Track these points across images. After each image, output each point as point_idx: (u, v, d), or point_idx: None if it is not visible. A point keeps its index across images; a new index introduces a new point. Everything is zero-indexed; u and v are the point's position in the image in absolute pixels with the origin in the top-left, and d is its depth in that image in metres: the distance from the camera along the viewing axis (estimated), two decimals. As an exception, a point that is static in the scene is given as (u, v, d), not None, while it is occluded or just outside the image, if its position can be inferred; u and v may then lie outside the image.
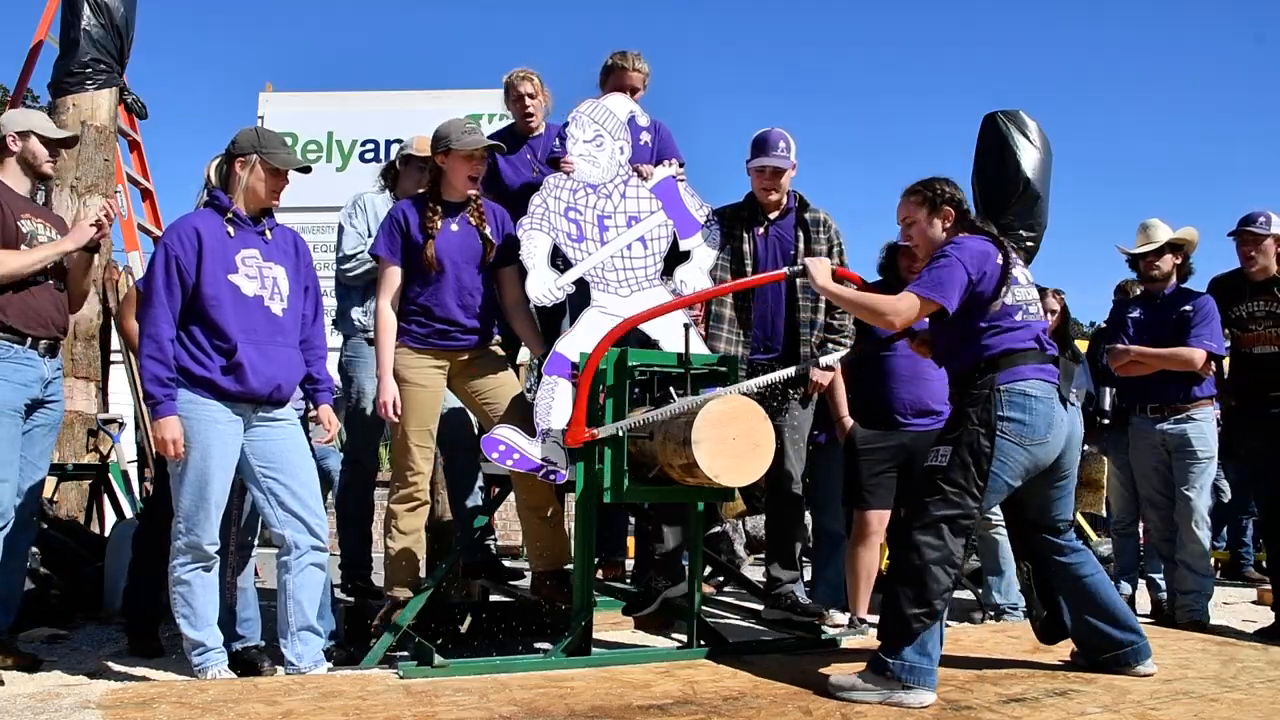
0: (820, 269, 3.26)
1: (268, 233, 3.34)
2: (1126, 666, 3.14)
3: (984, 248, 3.09)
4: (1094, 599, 3.13)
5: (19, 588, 3.64)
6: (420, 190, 3.92)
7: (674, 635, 4.22)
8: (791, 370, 3.68)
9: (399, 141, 4.68)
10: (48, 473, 3.78)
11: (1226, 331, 4.61)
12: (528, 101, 4.21)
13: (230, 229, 3.24)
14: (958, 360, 3.11)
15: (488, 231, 3.67)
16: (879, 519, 4.05)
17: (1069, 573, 3.14)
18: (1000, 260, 3.08)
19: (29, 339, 3.47)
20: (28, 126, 3.61)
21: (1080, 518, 6.35)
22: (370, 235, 4.12)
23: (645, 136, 4.24)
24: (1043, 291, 5.30)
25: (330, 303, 4.97)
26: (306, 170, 3.44)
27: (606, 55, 4.34)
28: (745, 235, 3.92)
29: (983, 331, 3.04)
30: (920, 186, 3.26)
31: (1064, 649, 3.33)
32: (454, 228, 3.63)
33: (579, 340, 3.56)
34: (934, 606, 2.85)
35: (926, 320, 3.20)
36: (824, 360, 3.81)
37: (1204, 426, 4.55)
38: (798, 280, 3.87)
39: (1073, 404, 3.08)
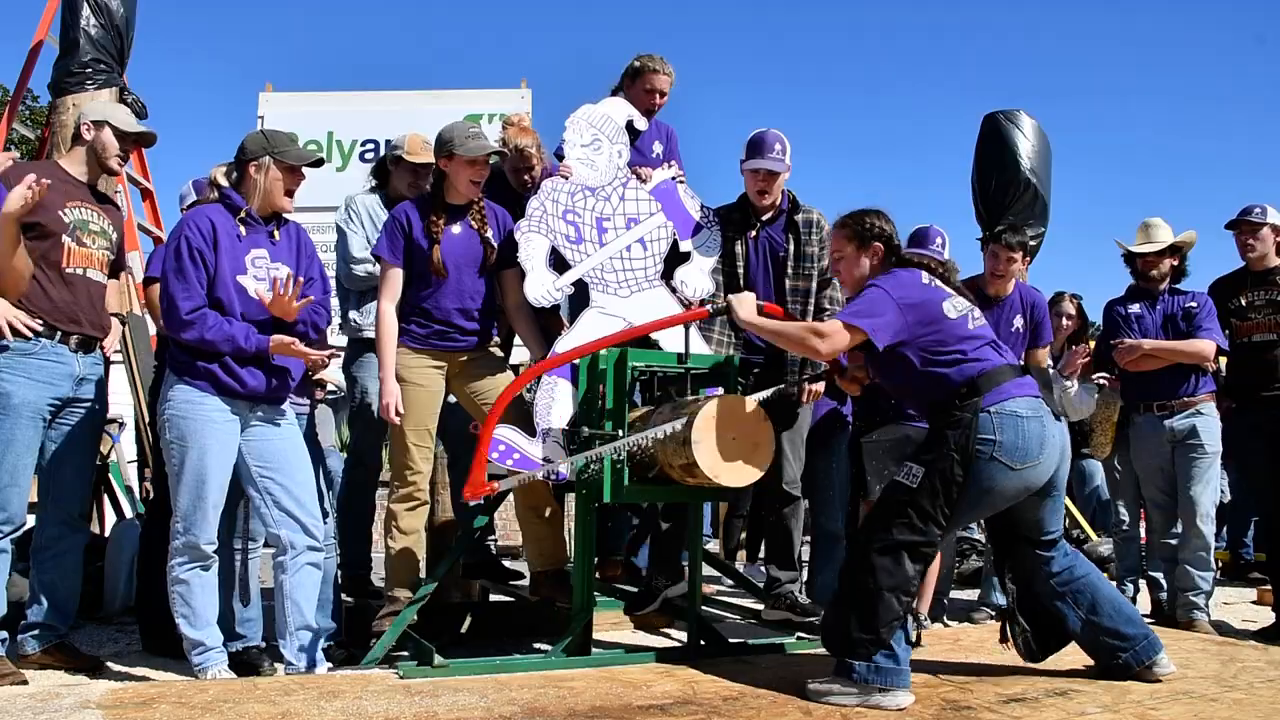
0: (744, 305, 3.18)
1: (275, 233, 3.34)
2: (1145, 666, 3.02)
3: (911, 275, 3.04)
4: (1097, 599, 3.05)
5: (75, 590, 3.58)
6: (416, 192, 3.93)
7: (674, 635, 4.22)
8: (782, 388, 3.70)
9: (393, 142, 4.67)
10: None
11: (1226, 332, 4.64)
12: (525, 177, 4.11)
13: (243, 229, 3.25)
14: (929, 390, 2.97)
15: (489, 234, 3.68)
16: None
17: (1066, 579, 3.06)
18: (928, 279, 3.03)
19: (59, 333, 3.41)
20: (105, 117, 3.55)
21: (1080, 517, 6.35)
22: (369, 238, 4.11)
23: (657, 147, 4.24)
24: (1060, 295, 5.30)
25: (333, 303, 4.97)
26: (319, 164, 3.44)
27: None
28: (736, 237, 3.92)
29: (947, 355, 2.93)
30: (851, 220, 3.16)
31: (1056, 659, 3.29)
32: (455, 230, 3.64)
33: (579, 341, 3.56)
34: (880, 635, 2.77)
35: (862, 355, 3.14)
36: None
37: (1211, 421, 4.56)
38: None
39: (1063, 417, 3.03)
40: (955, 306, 2.99)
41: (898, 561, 2.81)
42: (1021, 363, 3.32)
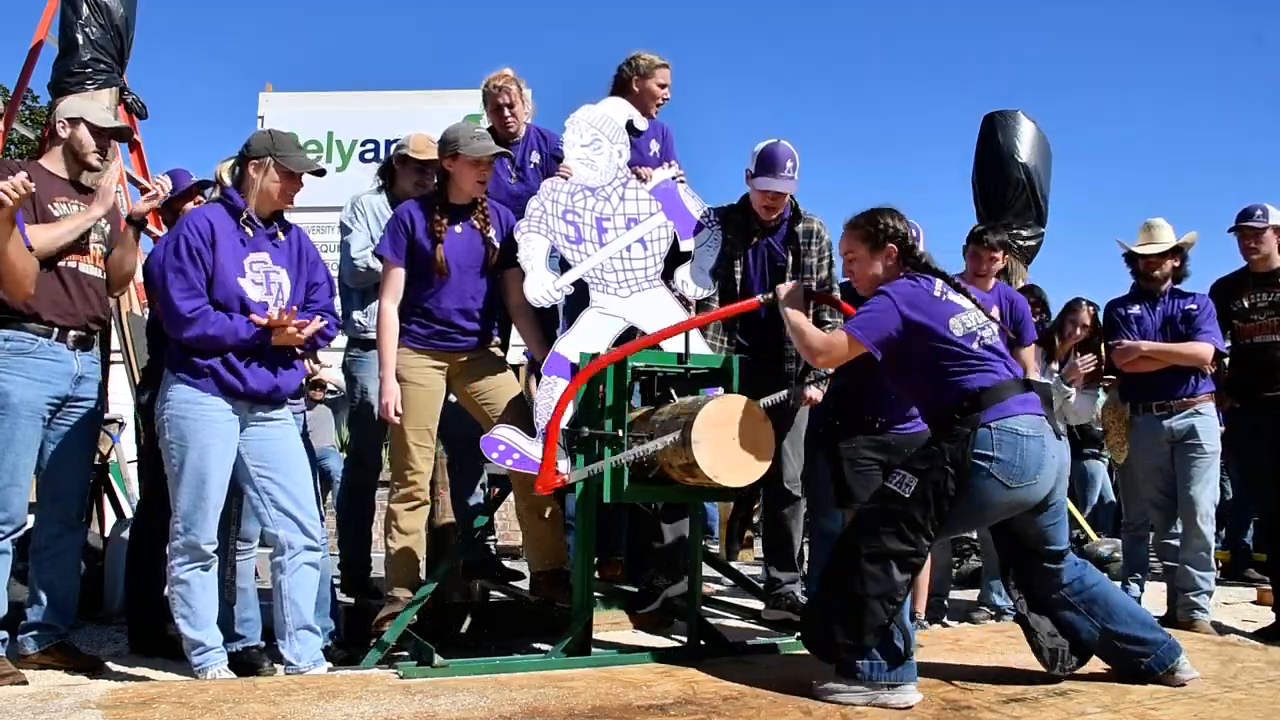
0: (788, 290, 3.20)
1: (279, 234, 3.34)
2: (1167, 670, 2.98)
3: (922, 286, 2.97)
4: (1110, 607, 3.01)
5: (73, 590, 3.58)
6: (422, 191, 3.93)
7: (674, 635, 4.22)
8: (783, 394, 3.69)
9: (398, 141, 4.67)
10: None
11: (1227, 333, 4.63)
12: (507, 114, 4.19)
13: (249, 230, 3.25)
14: (930, 402, 2.96)
15: (491, 235, 3.68)
16: None
17: (1078, 588, 3.02)
18: (939, 292, 2.97)
19: (55, 330, 3.38)
20: (80, 114, 3.55)
21: (1080, 518, 6.35)
22: (374, 237, 4.11)
23: (654, 145, 4.24)
24: (1077, 302, 5.26)
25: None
26: (320, 173, 3.43)
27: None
28: (737, 245, 3.91)
29: (951, 369, 2.88)
30: (864, 220, 3.08)
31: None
32: (458, 230, 3.64)
33: (578, 340, 3.56)
34: (863, 642, 2.76)
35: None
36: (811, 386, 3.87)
37: (1210, 421, 4.56)
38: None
39: (1061, 434, 2.96)
40: (963, 323, 2.92)
41: (886, 570, 2.78)
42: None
